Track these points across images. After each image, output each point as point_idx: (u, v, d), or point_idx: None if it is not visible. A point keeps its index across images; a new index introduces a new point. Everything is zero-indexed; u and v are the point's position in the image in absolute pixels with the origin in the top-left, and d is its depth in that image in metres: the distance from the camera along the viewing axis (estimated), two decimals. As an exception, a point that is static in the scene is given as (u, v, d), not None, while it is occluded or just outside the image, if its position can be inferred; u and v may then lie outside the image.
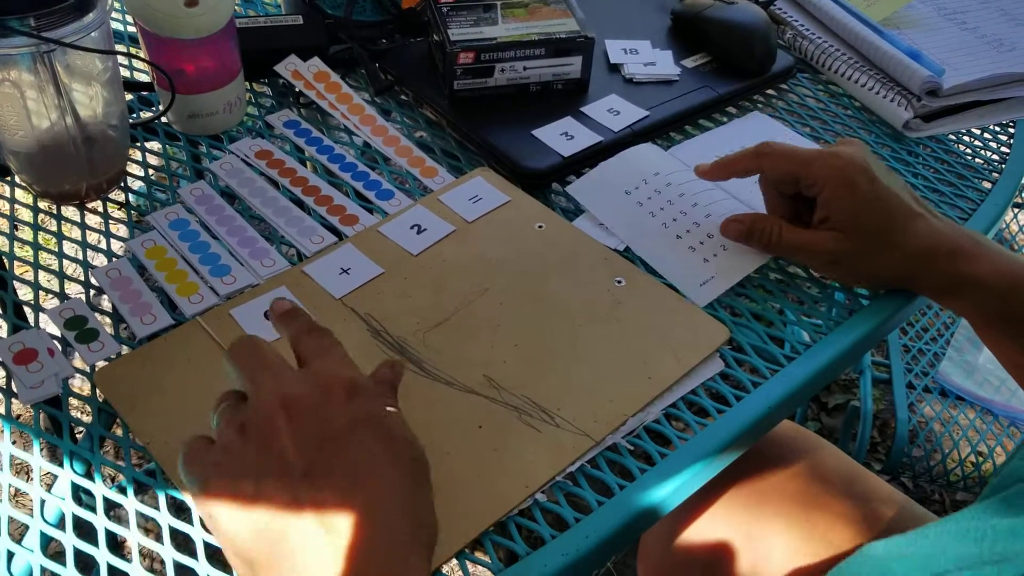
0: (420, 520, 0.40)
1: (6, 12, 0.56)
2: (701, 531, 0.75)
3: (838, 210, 0.59)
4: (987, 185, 0.77)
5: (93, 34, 0.60)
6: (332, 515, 0.38)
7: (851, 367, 1.48)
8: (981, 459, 1.12)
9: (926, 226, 0.59)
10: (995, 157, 0.81)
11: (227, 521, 0.39)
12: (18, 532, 0.48)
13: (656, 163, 0.71)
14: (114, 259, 0.63)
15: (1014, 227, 1.44)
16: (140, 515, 0.49)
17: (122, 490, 0.50)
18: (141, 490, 0.51)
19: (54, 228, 0.66)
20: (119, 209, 0.69)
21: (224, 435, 0.41)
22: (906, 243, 0.59)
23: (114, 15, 0.88)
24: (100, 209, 0.68)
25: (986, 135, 0.84)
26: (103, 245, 0.65)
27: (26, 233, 0.66)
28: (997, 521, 0.37)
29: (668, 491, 0.51)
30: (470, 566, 0.48)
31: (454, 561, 0.47)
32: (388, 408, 0.43)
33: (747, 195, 0.69)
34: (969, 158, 0.80)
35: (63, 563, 0.47)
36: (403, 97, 0.80)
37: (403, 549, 0.38)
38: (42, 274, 0.63)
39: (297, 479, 0.38)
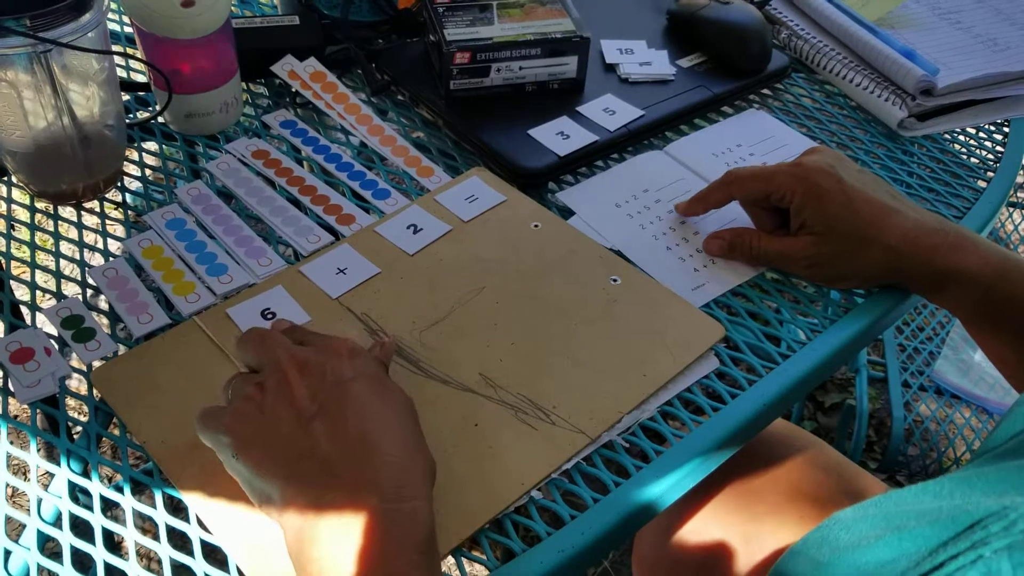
0: (419, 449, 0.45)
1: (3, 12, 0.56)
2: (696, 529, 0.75)
3: (810, 215, 0.61)
4: (981, 184, 0.77)
5: (90, 34, 0.60)
6: (344, 444, 0.43)
7: (847, 366, 1.49)
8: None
9: (904, 220, 0.60)
10: (989, 156, 0.81)
11: (249, 459, 0.43)
12: (15, 531, 0.48)
13: (647, 178, 0.72)
14: (111, 258, 0.63)
15: (1009, 226, 1.45)
16: (137, 514, 0.50)
17: (119, 489, 0.50)
18: (138, 489, 0.51)
19: (51, 228, 0.66)
20: (116, 209, 0.69)
21: (241, 391, 0.46)
22: (884, 238, 0.60)
23: (111, 15, 0.88)
24: (97, 209, 0.68)
25: (980, 134, 0.84)
26: (100, 245, 0.65)
27: (23, 233, 0.66)
28: (955, 474, 0.38)
29: (663, 488, 0.51)
30: (467, 563, 0.48)
31: (451, 558, 0.47)
32: (382, 371, 0.49)
33: (734, 211, 0.69)
34: (964, 157, 0.81)
35: (60, 562, 0.47)
36: (399, 97, 0.80)
37: (407, 470, 0.43)
38: (39, 273, 0.63)
39: (310, 418, 0.43)
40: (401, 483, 0.42)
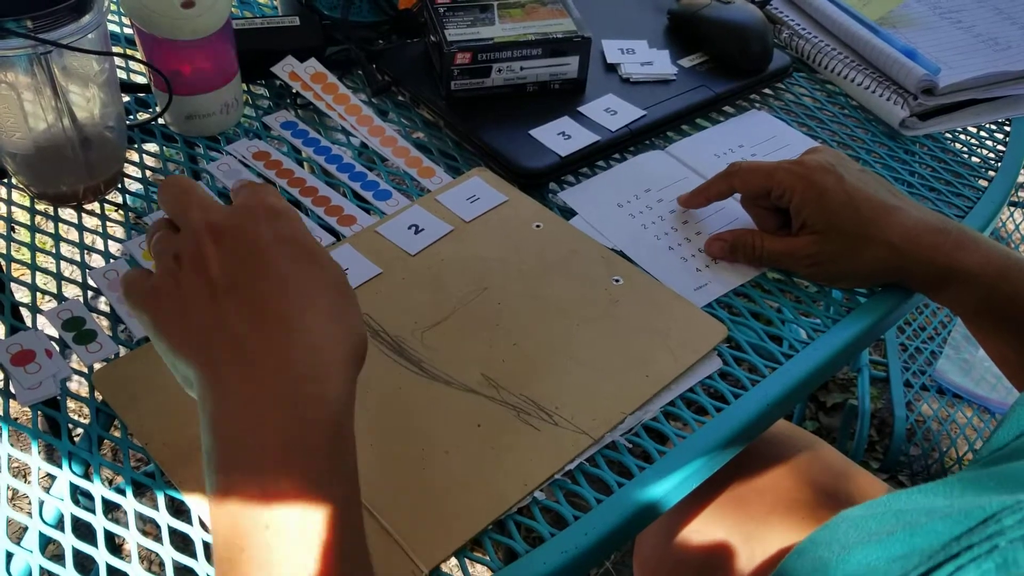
0: (341, 322, 0.42)
1: (3, 14, 0.56)
2: (697, 530, 0.75)
3: (811, 214, 0.61)
4: (983, 183, 0.77)
5: (90, 36, 0.60)
6: (256, 321, 0.40)
7: (849, 366, 1.49)
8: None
9: (906, 217, 0.60)
10: (991, 155, 0.81)
11: (167, 337, 0.41)
12: (16, 534, 0.48)
13: (649, 178, 0.72)
14: (112, 260, 0.63)
15: (1010, 225, 1.45)
16: (139, 515, 0.49)
17: (121, 491, 0.50)
18: (140, 491, 0.51)
19: (51, 230, 0.66)
20: (116, 210, 0.69)
21: (160, 263, 0.43)
22: (885, 236, 0.59)
23: (110, 17, 0.88)
24: (98, 211, 0.68)
25: (982, 133, 0.84)
26: (100, 246, 0.64)
27: (23, 235, 0.66)
28: (963, 473, 0.38)
29: (666, 488, 0.51)
30: (469, 564, 0.48)
31: (454, 559, 0.47)
32: (305, 232, 0.45)
33: (735, 211, 0.69)
34: (965, 156, 0.81)
35: (63, 564, 0.47)
36: (400, 98, 0.80)
37: (323, 348, 0.41)
38: (39, 276, 0.63)
39: (224, 293, 0.41)
40: (315, 362, 0.40)
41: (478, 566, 0.48)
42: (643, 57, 0.82)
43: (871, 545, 0.39)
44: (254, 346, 0.40)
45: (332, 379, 0.40)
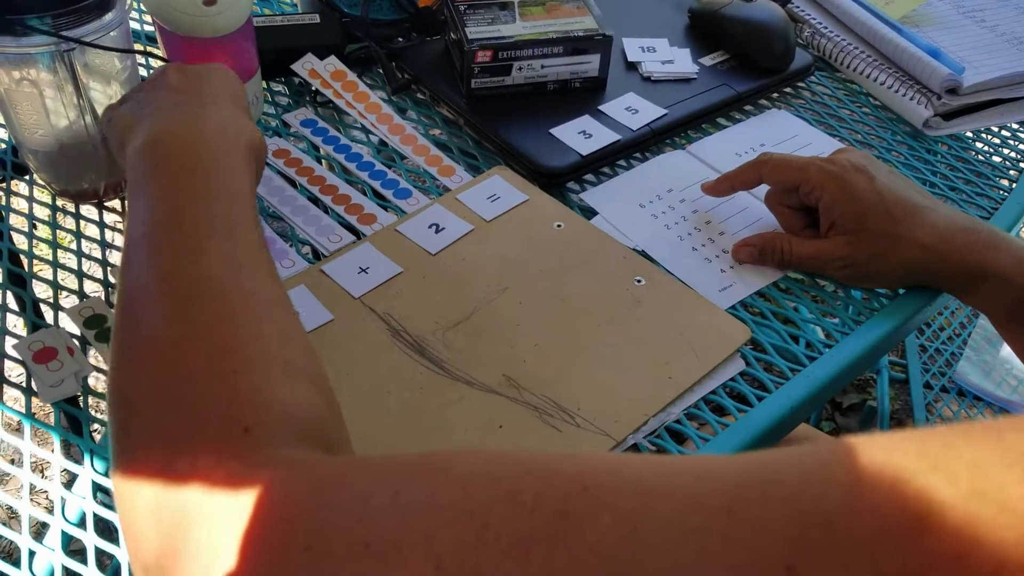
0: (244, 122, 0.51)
1: (27, 11, 0.56)
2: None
3: (841, 214, 0.60)
4: (1007, 184, 0.76)
5: (112, 33, 0.60)
6: (186, 96, 0.51)
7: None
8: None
9: (936, 217, 0.59)
10: (1015, 155, 0.80)
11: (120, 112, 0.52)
12: (35, 529, 0.48)
13: (671, 178, 0.71)
14: (133, 258, 0.63)
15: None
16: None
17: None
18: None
19: (72, 227, 0.66)
20: (137, 208, 0.69)
21: (126, 96, 0.55)
22: (917, 236, 0.59)
23: (132, 15, 0.88)
24: (118, 207, 0.68)
25: (1005, 133, 0.83)
26: (121, 243, 0.64)
27: (44, 232, 0.66)
28: None
29: (690, 492, 0.51)
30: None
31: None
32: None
33: (759, 211, 0.69)
34: (989, 156, 0.80)
35: (84, 561, 0.47)
36: (420, 96, 0.79)
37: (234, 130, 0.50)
38: (60, 272, 0.63)
39: (163, 88, 0.52)
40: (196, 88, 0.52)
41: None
42: (664, 55, 0.81)
43: None
44: (184, 102, 0.50)
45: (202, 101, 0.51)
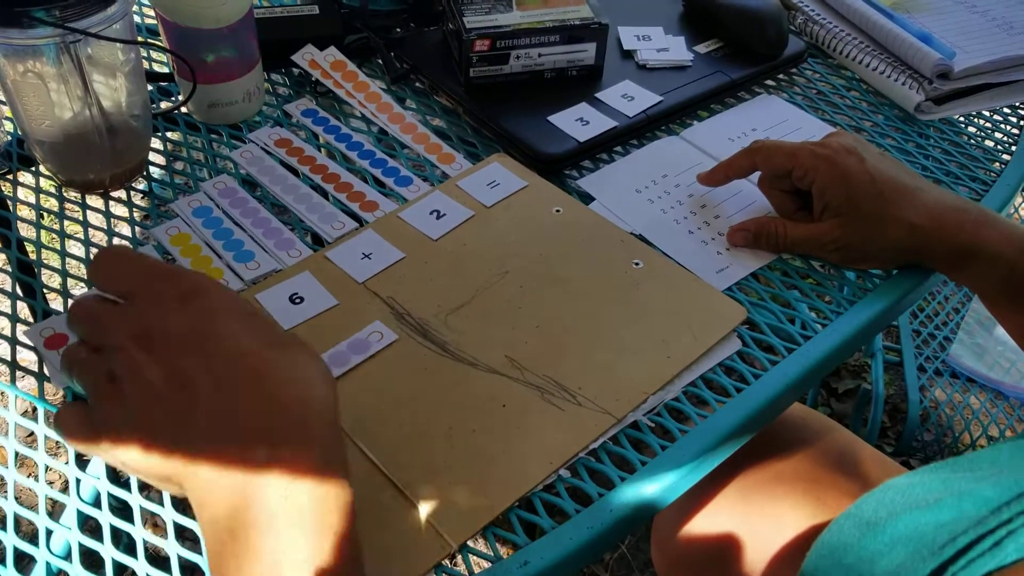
0: (306, 376, 0.41)
1: (32, 3, 0.57)
2: (714, 513, 0.76)
3: (833, 196, 0.61)
4: (998, 167, 0.77)
5: (116, 25, 0.61)
6: (220, 416, 0.39)
7: (862, 351, 1.49)
8: (992, 442, 1.13)
9: (927, 198, 0.60)
10: (1006, 139, 0.81)
11: (142, 467, 0.40)
12: (50, 511, 0.49)
13: (666, 163, 0.73)
14: (139, 246, 0.64)
15: None
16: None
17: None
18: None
19: (79, 217, 0.67)
20: (143, 198, 0.70)
21: (95, 389, 0.41)
22: (908, 217, 0.60)
23: (134, 7, 0.89)
24: (124, 198, 0.69)
25: (996, 117, 0.84)
26: (127, 232, 0.66)
27: (52, 222, 0.67)
28: (1011, 441, 0.38)
29: (689, 467, 0.52)
30: (497, 540, 0.49)
31: (481, 537, 0.48)
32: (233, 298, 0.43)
33: (753, 194, 0.70)
34: (980, 140, 0.81)
35: (100, 539, 0.48)
36: (419, 85, 0.80)
37: (296, 407, 0.39)
38: (69, 261, 0.64)
39: (177, 398, 0.39)
40: (288, 426, 0.39)
41: (506, 543, 0.49)
42: (659, 43, 0.82)
43: (919, 511, 0.40)
44: (225, 438, 0.39)
45: (311, 432, 0.40)
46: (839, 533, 0.47)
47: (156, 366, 0.39)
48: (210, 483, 0.38)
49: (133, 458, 0.39)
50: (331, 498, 0.39)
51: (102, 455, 0.41)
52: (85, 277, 0.62)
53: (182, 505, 0.50)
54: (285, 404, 0.39)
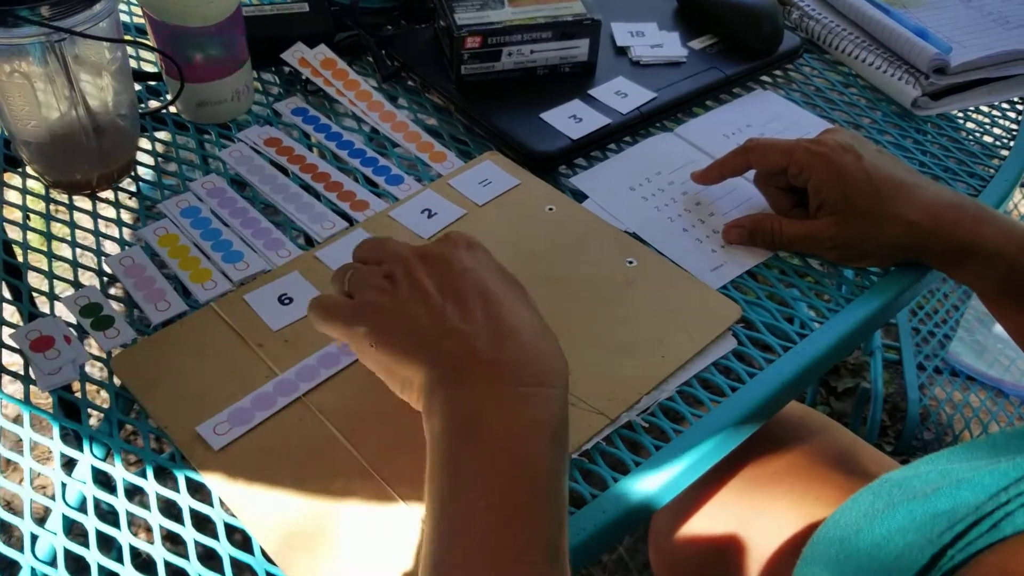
0: (548, 339, 0.46)
1: (17, 2, 0.56)
2: (712, 512, 0.75)
3: (829, 194, 0.61)
4: (996, 162, 0.77)
5: (102, 24, 0.60)
6: (481, 325, 0.44)
7: (861, 349, 1.48)
8: (992, 439, 1.12)
9: (925, 194, 0.60)
10: (1004, 135, 0.81)
11: (390, 347, 0.45)
12: (37, 517, 0.49)
13: (660, 160, 0.72)
14: (126, 247, 0.63)
15: (1023, 207, 1.44)
16: (161, 498, 0.50)
17: (142, 474, 0.51)
18: (160, 473, 0.51)
19: (66, 218, 0.67)
20: (131, 198, 0.69)
21: (367, 282, 0.47)
22: (905, 213, 0.59)
23: (121, 6, 0.88)
24: (112, 198, 0.68)
25: (994, 112, 0.84)
26: (116, 233, 0.65)
27: (39, 223, 0.66)
28: (1008, 430, 0.38)
29: (683, 467, 0.51)
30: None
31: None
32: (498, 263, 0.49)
33: (748, 192, 0.69)
34: (977, 136, 0.80)
35: (86, 545, 0.48)
36: (410, 83, 0.80)
37: (542, 356, 0.44)
38: (56, 263, 0.63)
39: (443, 303, 0.45)
40: (541, 370, 0.43)
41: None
42: (653, 40, 0.81)
43: (916, 502, 0.39)
44: (482, 345, 0.43)
45: (554, 387, 0.43)
46: (836, 527, 0.47)
47: (433, 278, 0.46)
48: (449, 377, 0.43)
49: (384, 341, 0.44)
50: (563, 424, 0.43)
51: (351, 336, 0.46)
52: (72, 279, 0.61)
53: (169, 510, 0.49)
54: (533, 354, 0.44)
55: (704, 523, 0.75)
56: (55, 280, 0.62)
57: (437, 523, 0.40)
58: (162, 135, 0.75)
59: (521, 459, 0.41)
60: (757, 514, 0.73)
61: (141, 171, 0.71)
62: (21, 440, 0.53)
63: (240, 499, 0.48)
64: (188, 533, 0.48)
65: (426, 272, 0.46)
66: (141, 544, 0.48)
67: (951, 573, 0.36)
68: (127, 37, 0.68)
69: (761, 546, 0.72)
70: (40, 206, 0.67)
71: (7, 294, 0.62)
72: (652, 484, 0.50)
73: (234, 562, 0.47)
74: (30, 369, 0.55)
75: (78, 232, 0.65)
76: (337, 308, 0.47)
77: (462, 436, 0.42)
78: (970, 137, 0.80)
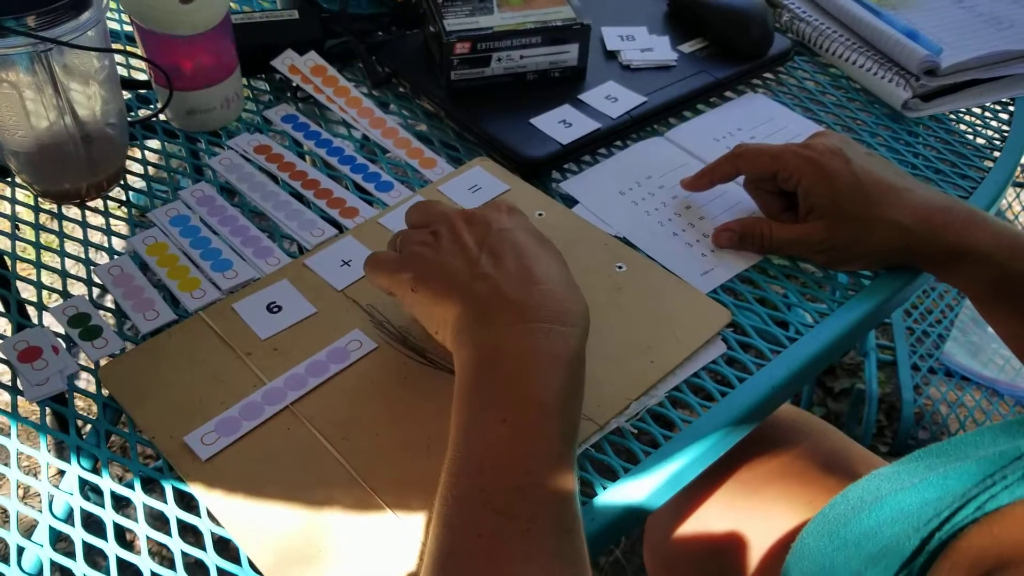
0: (574, 290, 0.51)
1: (3, 12, 0.56)
2: (706, 516, 0.75)
3: (818, 197, 0.60)
4: (987, 164, 0.77)
5: (90, 33, 0.60)
6: (511, 273, 0.49)
7: (856, 350, 1.48)
8: (987, 439, 1.12)
9: (914, 197, 0.59)
10: (995, 136, 0.81)
11: (428, 289, 0.50)
12: (26, 528, 0.48)
13: (650, 165, 0.72)
14: (116, 256, 0.63)
15: (1016, 207, 1.44)
16: (148, 509, 0.50)
17: (129, 485, 0.50)
18: (149, 484, 0.51)
19: (55, 227, 0.66)
20: (120, 207, 0.69)
21: (414, 239, 0.53)
22: (895, 217, 0.59)
23: (109, 14, 0.88)
24: (101, 207, 0.68)
25: (986, 114, 0.84)
26: (104, 243, 0.65)
27: (28, 233, 0.66)
28: (994, 425, 0.39)
29: (673, 473, 0.51)
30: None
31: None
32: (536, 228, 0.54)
33: (738, 195, 0.69)
34: (968, 137, 0.80)
35: (73, 558, 0.47)
36: (400, 89, 0.80)
37: (566, 301, 0.49)
38: (44, 273, 0.63)
39: (478, 254, 0.50)
40: (560, 311, 0.48)
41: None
42: (643, 43, 0.81)
43: (904, 492, 0.40)
44: (510, 288, 0.48)
45: (575, 327, 0.48)
46: (824, 521, 0.47)
47: (472, 235, 0.51)
48: (478, 316, 0.48)
49: (423, 284, 0.50)
50: (577, 357, 0.48)
51: (396, 282, 0.52)
52: (61, 289, 0.61)
53: (155, 521, 0.49)
54: (556, 298, 0.48)
55: (698, 526, 0.75)
56: (43, 290, 0.62)
57: (459, 443, 0.44)
58: (152, 143, 0.74)
59: (534, 383, 0.45)
60: (751, 517, 0.73)
61: (131, 180, 0.71)
62: (8, 451, 0.53)
63: (227, 509, 0.48)
64: (175, 544, 0.48)
65: (467, 229, 0.51)
66: (128, 555, 0.48)
67: (938, 552, 0.36)
68: (116, 46, 0.68)
69: (754, 548, 0.72)
70: (29, 216, 0.67)
71: (-4, 304, 0.62)
72: (641, 490, 0.50)
73: (221, 573, 0.47)
74: (18, 380, 0.55)
75: (67, 242, 0.65)
76: (386, 261, 0.53)
77: (484, 366, 0.46)
78: (961, 139, 0.80)
